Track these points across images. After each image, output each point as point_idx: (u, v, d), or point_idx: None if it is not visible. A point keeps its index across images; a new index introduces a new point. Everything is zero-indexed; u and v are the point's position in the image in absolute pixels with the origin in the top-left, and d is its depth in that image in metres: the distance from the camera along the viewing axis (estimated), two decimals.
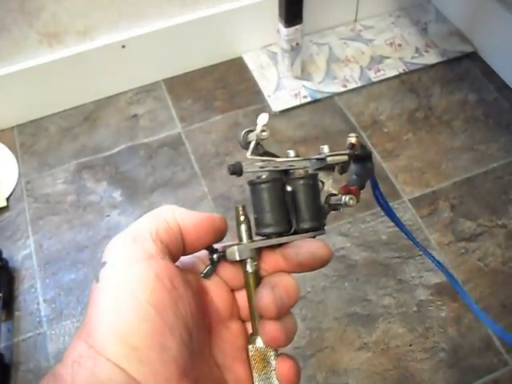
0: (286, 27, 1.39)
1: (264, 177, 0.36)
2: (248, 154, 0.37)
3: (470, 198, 1.30)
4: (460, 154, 1.38)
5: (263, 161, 0.37)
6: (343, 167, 0.39)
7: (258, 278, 0.37)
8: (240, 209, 0.37)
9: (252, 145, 0.37)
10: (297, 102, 1.47)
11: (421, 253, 1.21)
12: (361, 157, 0.42)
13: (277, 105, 1.47)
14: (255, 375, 0.36)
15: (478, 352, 1.09)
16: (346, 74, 1.54)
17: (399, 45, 1.61)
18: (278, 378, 0.35)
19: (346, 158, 0.39)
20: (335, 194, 0.39)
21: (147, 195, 1.34)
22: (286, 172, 0.38)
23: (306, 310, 1.15)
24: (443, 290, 1.16)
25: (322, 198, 0.39)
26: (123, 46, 1.46)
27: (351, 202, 0.38)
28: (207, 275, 0.36)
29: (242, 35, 1.57)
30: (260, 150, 0.38)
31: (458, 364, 1.08)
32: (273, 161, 0.38)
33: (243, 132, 0.38)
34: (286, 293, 0.35)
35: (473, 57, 1.58)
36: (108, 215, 1.31)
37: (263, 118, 0.37)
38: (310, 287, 1.17)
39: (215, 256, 0.36)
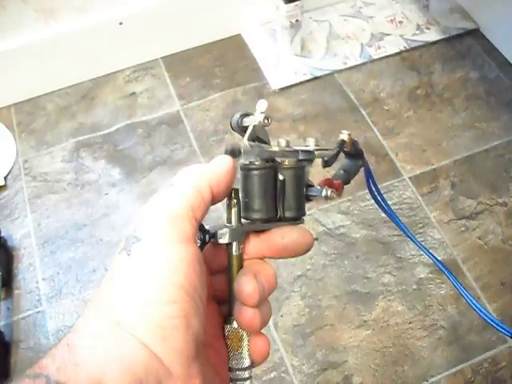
0: (286, 3, 1.37)
1: (258, 163, 0.37)
2: (244, 139, 0.36)
3: (470, 176, 1.29)
4: (461, 131, 1.37)
5: (260, 147, 0.37)
6: (327, 161, 0.39)
7: (242, 262, 0.37)
8: (233, 192, 0.37)
9: (249, 130, 0.36)
10: (296, 80, 1.46)
11: (421, 231, 1.21)
12: (351, 154, 0.43)
13: (276, 82, 1.46)
14: (229, 355, 0.37)
15: (477, 329, 1.09)
16: (346, 51, 1.52)
17: (400, 22, 1.59)
18: (253, 352, 0.37)
19: (331, 153, 0.39)
20: (312, 185, 0.40)
21: (146, 173, 1.33)
22: (274, 159, 0.38)
23: (305, 288, 1.14)
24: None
25: None
26: (120, 23, 1.44)
27: (333, 195, 0.39)
28: None
29: (241, 12, 1.55)
30: (253, 135, 0.37)
31: (457, 341, 1.08)
32: (268, 149, 0.38)
33: (237, 115, 0.38)
34: (266, 281, 0.36)
35: (475, 34, 1.56)
36: (106, 193, 1.30)
37: (262, 105, 0.37)
38: (310, 265, 1.17)
39: (206, 236, 0.36)
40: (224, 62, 1.53)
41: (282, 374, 1.06)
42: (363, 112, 1.41)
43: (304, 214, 0.39)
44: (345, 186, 0.43)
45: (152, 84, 1.50)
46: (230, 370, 0.37)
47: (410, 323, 1.10)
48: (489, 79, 1.46)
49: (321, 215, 1.23)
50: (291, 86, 1.46)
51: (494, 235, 1.20)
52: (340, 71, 1.49)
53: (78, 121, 1.44)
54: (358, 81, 1.47)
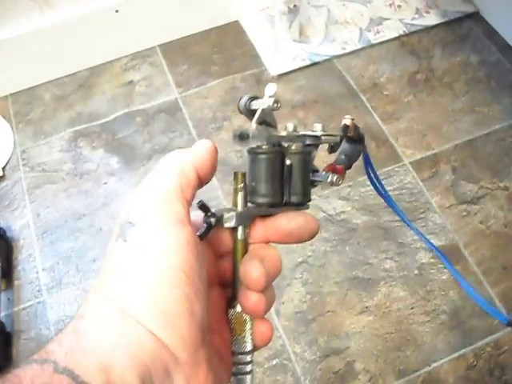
0: None
1: (266, 147, 0.37)
2: (253, 122, 0.36)
3: (471, 160, 1.28)
4: (461, 116, 1.36)
5: (268, 131, 0.37)
6: (333, 147, 0.39)
7: (247, 246, 0.37)
8: (240, 176, 0.37)
9: (258, 114, 0.37)
10: (295, 66, 1.45)
11: (422, 216, 1.20)
12: (353, 139, 0.43)
13: (275, 68, 1.44)
14: (233, 338, 0.37)
15: (479, 314, 1.09)
16: (344, 36, 1.51)
17: (399, 6, 1.57)
18: (256, 337, 0.37)
19: (337, 139, 0.39)
20: (317, 171, 0.40)
21: (144, 162, 1.32)
22: (280, 144, 0.38)
23: (306, 275, 1.14)
24: (444, 253, 1.15)
25: None
26: (117, 11, 1.42)
27: (338, 181, 0.39)
28: (201, 237, 0.36)
29: None
30: (261, 119, 0.37)
31: (459, 326, 1.08)
32: (277, 133, 0.38)
33: (246, 98, 0.38)
34: (272, 266, 0.36)
35: (475, 17, 1.54)
36: (105, 183, 1.30)
37: (271, 88, 0.37)
38: (311, 251, 1.16)
39: (213, 220, 0.36)
40: (222, 49, 1.52)
41: (284, 361, 1.05)
42: (363, 97, 1.40)
43: (309, 200, 0.39)
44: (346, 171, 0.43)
45: (149, 72, 1.49)
46: (233, 353, 0.37)
47: (411, 308, 1.10)
48: (489, 62, 1.45)
49: (321, 201, 1.23)
50: (290, 72, 1.44)
51: (495, 219, 1.20)
52: (339, 56, 1.47)
53: (76, 110, 1.43)
54: (357, 66, 1.46)
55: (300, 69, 1.45)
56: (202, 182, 0.35)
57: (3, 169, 1.33)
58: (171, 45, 1.54)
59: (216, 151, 0.36)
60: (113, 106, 1.43)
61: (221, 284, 0.39)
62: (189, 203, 0.33)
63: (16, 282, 1.17)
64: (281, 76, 1.44)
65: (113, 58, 1.51)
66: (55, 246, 1.21)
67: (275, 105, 0.36)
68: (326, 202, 1.23)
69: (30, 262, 1.20)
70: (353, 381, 1.04)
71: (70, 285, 1.16)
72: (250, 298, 0.35)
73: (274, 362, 1.05)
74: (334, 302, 1.11)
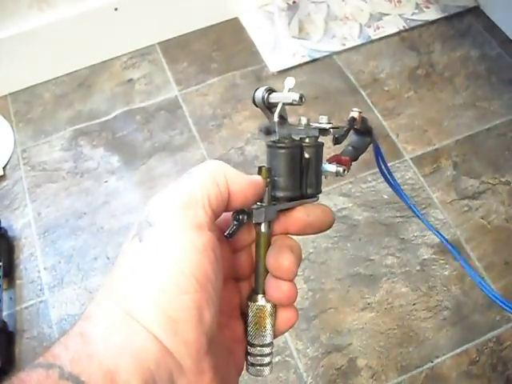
0: None
1: (288, 142, 0.37)
2: (275, 116, 0.37)
3: (472, 155, 1.28)
4: (462, 111, 1.35)
5: (287, 125, 0.37)
6: (338, 138, 0.39)
7: (270, 240, 0.37)
8: (265, 170, 0.36)
9: (279, 107, 0.37)
10: (295, 62, 1.44)
11: (424, 212, 1.20)
12: (361, 131, 0.43)
13: (274, 65, 1.44)
14: (252, 332, 0.37)
15: (481, 309, 1.08)
16: (344, 32, 1.50)
17: (399, 1, 1.57)
18: (282, 323, 0.37)
19: (343, 131, 0.39)
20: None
21: (145, 160, 1.32)
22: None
23: (308, 271, 1.14)
24: (446, 249, 1.15)
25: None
26: (116, 9, 1.42)
27: (345, 172, 0.39)
28: (232, 236, 0.36)
29: None
30: (280, 113, 0.37)
31: (462, 322, 1.08)
32: (295, 127, 0.38)
33: (263, 90, 0.37)
34: (299, 256, 0.37)
35: (475, 12, 1.53)
36: (106, 181, 1.29)
37: (291, 82, 0.37)
38: (312, 248, 1.16)
39: (244, 216, 0.36)
40: (221, 46, 1.51)
41: (287, 358, 1.05)
42: (363, 93, 1.39)
43: (321, 191, 0.40)
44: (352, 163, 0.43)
45: (149, 70, 1.48)
46: (253, 345, 0.37)
47: (414, 304, 1.10)
48: (490, 57, 1.45)
49: (322, 198, 1.22)
50: (290, 69, 1.44)
51: (497, 214, 1.20)
52: (339, 53, 1.47)
53: (76, 109, 1.43)
54: (357, 62, 1.46)
55: (300, 65, 1.45)
56: (231, 202, 0.34)
57: (4, 168, 1.33)
58: (170, 42, 1.53)
59: (261, 186, 0.36)
60: (113, 104, 1.42)
61: (235, 278, 0.39)
62: (214, 212, 0.33)
63: (18, 282, 1.17)
64: (281, 72, 1.43)
65: (112, 57, 1.51)
66: (56, 245, 1.21)
67: (301, 100, 0.36)
68: (327, 198, 1.22)
69: (32, 261, 1.20)
70: (355, 377, 1.04)
71: (72, 283, 1.16)
72: (283, 288, 0.36)
73: (277, 359, 1.05)
74: (336, 299, 1.11)
